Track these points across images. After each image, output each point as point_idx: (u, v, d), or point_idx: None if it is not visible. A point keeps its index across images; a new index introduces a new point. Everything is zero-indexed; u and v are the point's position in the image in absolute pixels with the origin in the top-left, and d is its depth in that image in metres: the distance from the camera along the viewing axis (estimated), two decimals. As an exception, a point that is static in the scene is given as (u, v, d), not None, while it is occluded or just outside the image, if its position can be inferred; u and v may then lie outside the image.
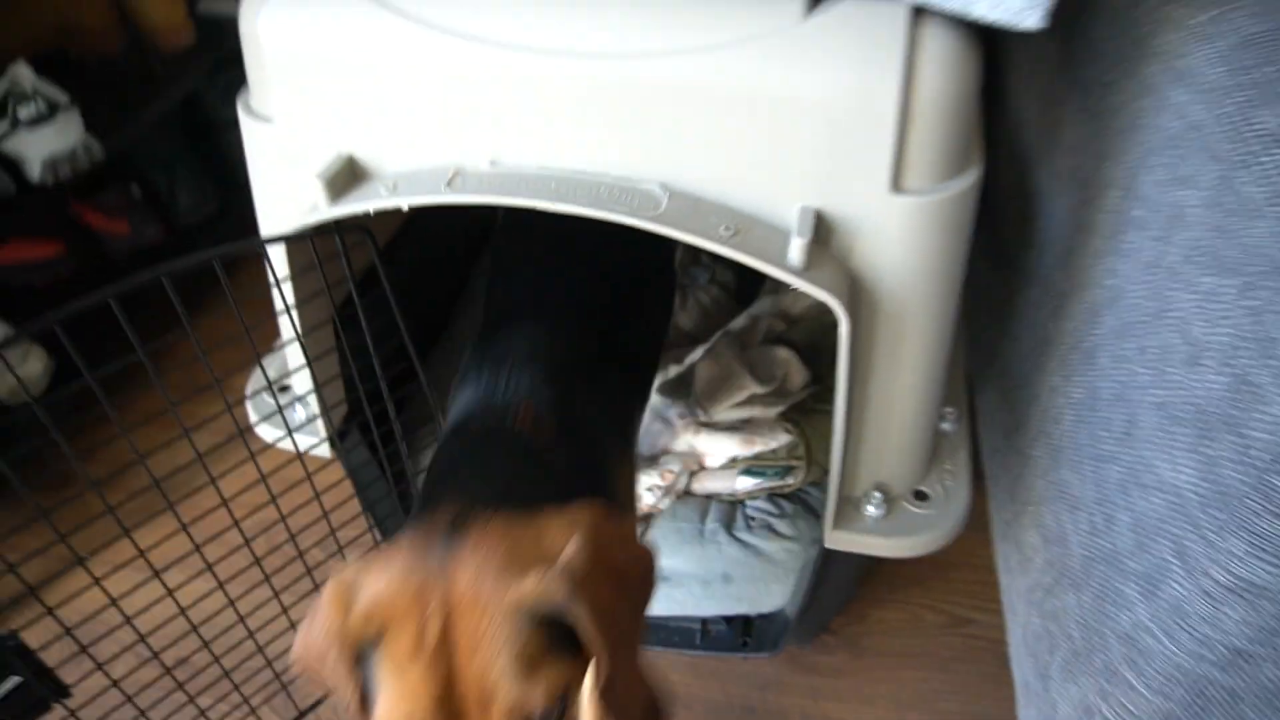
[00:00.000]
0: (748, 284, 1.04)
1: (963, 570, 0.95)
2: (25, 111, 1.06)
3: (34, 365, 1.06)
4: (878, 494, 0.63)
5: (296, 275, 0.63)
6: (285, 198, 0.64)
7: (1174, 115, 0.54)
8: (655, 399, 0.90)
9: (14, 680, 0.57)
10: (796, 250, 0.50)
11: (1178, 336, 0.51)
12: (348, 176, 0.59)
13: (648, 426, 0.90)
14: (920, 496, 0.64)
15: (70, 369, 0.56)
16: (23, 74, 1.08)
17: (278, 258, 0.64)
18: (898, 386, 0.58)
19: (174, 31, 1.35)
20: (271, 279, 0.61)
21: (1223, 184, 0.48)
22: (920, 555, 0.63)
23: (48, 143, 1.08)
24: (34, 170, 1.08)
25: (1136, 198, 0.57)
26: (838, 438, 0.59)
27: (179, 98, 1.31)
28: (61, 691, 0.61)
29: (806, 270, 0.51)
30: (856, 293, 0.54)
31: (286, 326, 0.69)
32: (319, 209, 0.58)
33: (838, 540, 0.63)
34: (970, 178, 0.53)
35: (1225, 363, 0.46)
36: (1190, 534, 0.48)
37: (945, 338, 0.59)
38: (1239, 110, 0.49)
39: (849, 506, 0.64)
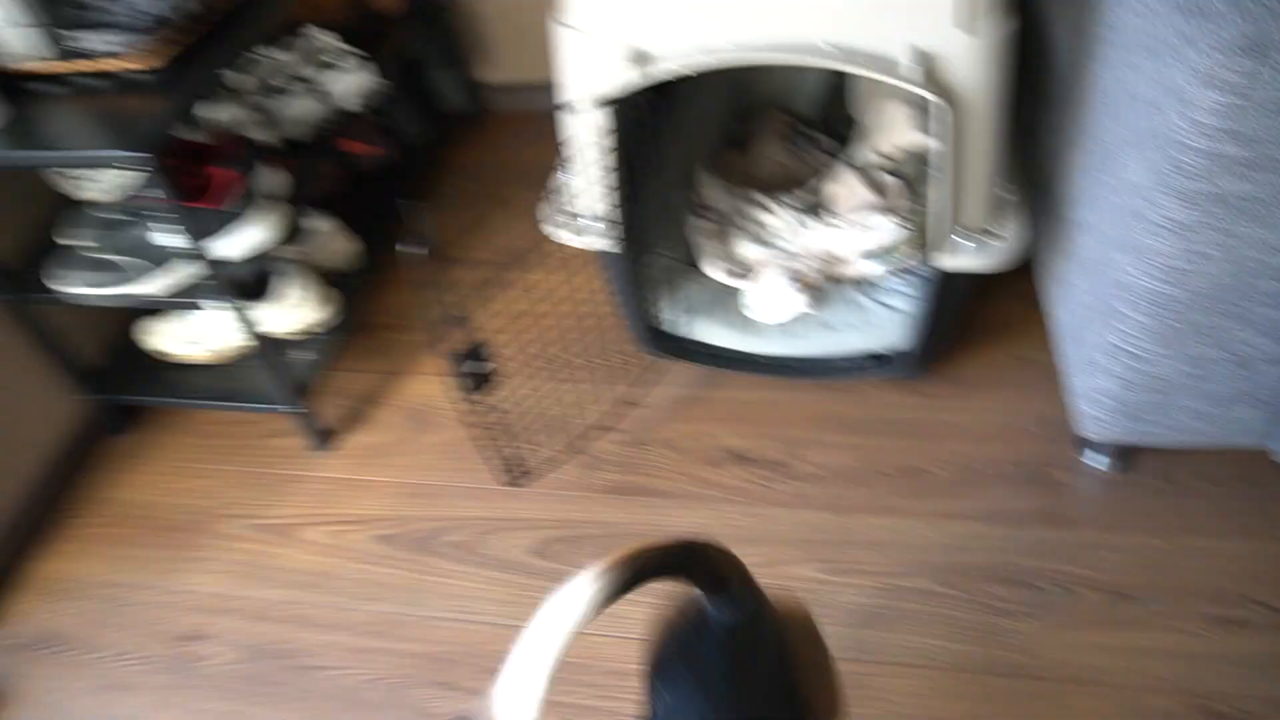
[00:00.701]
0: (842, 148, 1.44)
1: (1021, 326, 1.34)
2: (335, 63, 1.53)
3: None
4: (967, 232, 1.03)
5: (607, 122, 1.05)
6: (583, 79, 1.05)
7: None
8: (792, 216, 1.31)
9: (490, 366, 1.01)
10: (916, 73, 0.90)
11: (1125, 94, 0.90)
12: (638, 58, 1.00)
13: (794, 230, 1.31)
14: (993, 235, 1.04)
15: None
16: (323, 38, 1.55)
17: (582, 118, 1.05)
18: (972, 159, 0.98)
19: (390, 3, 1.78)
20: (595, 132, 1.03)
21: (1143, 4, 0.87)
22: (997, 270, 1.03)
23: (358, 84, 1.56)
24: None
25: (1105, 24, 0.96)
26: (938, 193, 0.99)
27: (403, 54, 1.74)
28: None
29: (922, 84, 0.91)
30: (949, 96, 0.94)
31: (574, 159, 1.11)
32: (627, 79, 1.00)
33: (944, 262, 1.04)
34: (1010, 26, 0.92)
35: (1148, 104, 0.85)
36: (1143, 204, 0.87)
37: (1000, 128, 0.98)
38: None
39: (948, 242, 1.04)
